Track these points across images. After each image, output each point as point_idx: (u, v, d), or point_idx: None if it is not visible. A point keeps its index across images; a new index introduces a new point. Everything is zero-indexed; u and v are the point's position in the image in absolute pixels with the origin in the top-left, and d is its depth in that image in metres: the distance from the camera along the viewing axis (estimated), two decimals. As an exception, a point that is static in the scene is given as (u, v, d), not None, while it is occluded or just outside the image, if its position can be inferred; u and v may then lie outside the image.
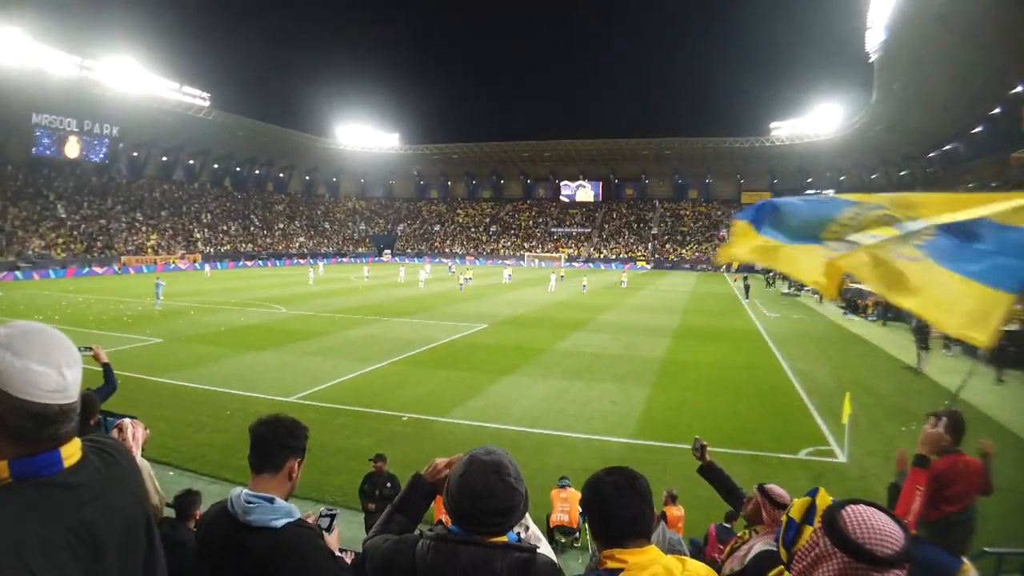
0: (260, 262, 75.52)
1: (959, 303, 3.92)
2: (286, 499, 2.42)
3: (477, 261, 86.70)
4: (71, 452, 1.55)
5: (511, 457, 2.13)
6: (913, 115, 56.78)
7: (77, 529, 1.46)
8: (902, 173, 68.41)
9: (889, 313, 32.07)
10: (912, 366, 20.90)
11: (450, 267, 68.66)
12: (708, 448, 4.41)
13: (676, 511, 7.99)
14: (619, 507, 2.10)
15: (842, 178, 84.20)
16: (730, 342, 25.22)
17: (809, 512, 1.91)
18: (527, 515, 2.31)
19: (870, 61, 54.49)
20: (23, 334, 1.49)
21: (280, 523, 2.28)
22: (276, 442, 2.47)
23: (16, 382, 1.43)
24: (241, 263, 73.01)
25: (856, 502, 1.57)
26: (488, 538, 2.05)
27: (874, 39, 51.37)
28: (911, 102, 54.56)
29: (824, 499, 1.91)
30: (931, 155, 62.92)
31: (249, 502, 2.30)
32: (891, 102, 58.22)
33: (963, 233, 4.15)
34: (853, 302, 36.34)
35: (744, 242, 5.11)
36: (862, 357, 23.27)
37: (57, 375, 1.49)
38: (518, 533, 2.23)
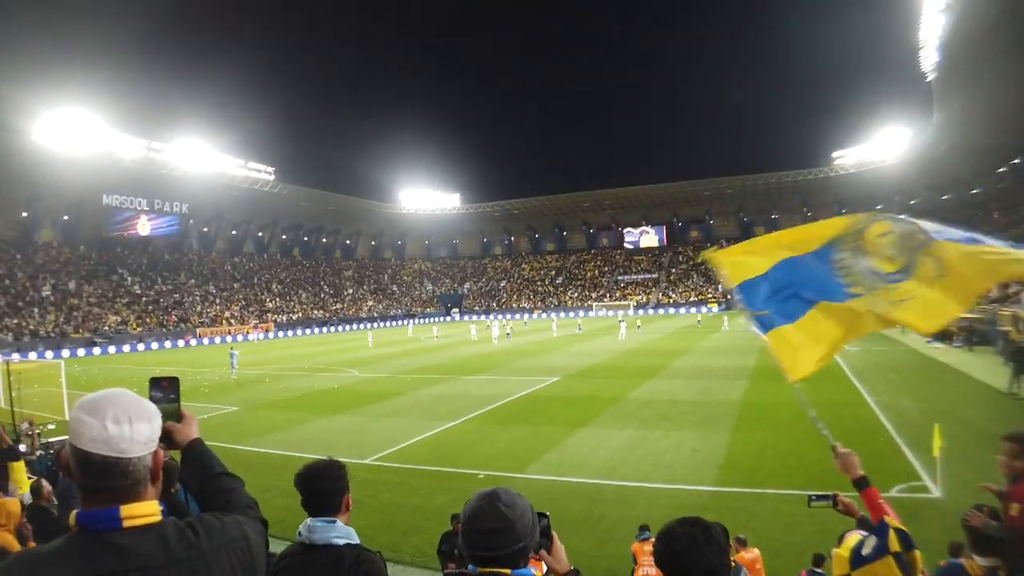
0: (331, 328, 76.90)
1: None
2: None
3: (547, 315, 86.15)
4: (137, 513, 1.63)
5: (517, 494, 2.17)
6: (977, 131, 54.91)
7: None
8: (973, 191, 66.19)
9: (974, 338, 30.70)
10: (1004, 391, 19.78)
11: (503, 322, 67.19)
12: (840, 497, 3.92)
13: (748, 555, 7.37)
14: (694, 559, 2.01)
15: (912, 202, 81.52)
16: (810, 379, 24.13)
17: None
18: None
19: (928, 80, 53.44)
20: (98, 395, 1.66)
21: (341, 541, 2.51)
22: (325, 493, 2.68)
23: (71, 430, 1.62)
24: (313, 329, 74.54)
25: None
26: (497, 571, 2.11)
27: (929, 57, 50.42)
28: (974, 118, 52.92)
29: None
30: (1000, 170, 60.73)
31: (313, 524, 2.55)
32: (953, 120, 56.67)
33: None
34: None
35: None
36: (950, 385, 22.22)
37: (100, 426, 1.60)
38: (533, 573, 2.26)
